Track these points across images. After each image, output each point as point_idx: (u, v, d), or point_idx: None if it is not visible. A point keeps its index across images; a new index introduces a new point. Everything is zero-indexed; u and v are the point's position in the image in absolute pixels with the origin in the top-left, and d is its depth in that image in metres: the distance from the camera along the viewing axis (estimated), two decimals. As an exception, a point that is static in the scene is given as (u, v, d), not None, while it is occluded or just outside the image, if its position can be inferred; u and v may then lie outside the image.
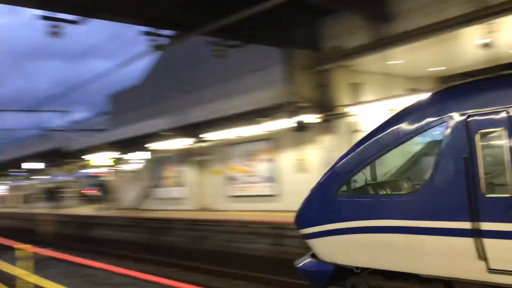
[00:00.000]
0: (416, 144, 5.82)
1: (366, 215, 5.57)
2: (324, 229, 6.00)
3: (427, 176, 5.22)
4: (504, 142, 4.67)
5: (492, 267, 4.64)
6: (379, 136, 5.69)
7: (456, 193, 4.87)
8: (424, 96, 5.71)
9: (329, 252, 6.09)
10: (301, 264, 6.55)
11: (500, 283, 4.65)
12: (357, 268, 5.88)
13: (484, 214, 4.67)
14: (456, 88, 5.38)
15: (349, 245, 5.79)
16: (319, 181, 6.26)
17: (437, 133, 5.26)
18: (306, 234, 6.35)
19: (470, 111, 4.88)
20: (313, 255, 6.42)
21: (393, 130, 5.56)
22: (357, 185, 5.94)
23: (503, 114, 4.65)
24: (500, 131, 4.72)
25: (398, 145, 5.54)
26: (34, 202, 34.24)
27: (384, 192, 5.85)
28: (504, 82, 5.01)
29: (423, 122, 5.28)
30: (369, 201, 5.78)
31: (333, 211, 5.99)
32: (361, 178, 5.89)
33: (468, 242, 4.75)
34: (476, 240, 4.70)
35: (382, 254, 5.51)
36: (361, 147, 5.86)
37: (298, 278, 7.39)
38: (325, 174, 6.26)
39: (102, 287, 9.49)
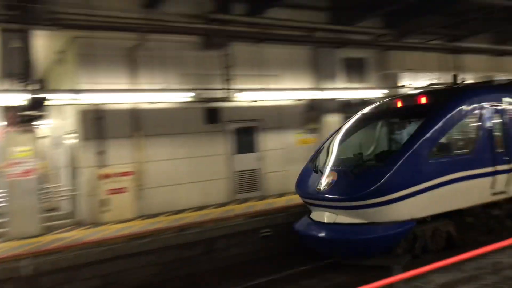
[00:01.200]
0: (467, 122, 8.24)
1: (454, 169, 7.63)
2: (415, 190, 7.27)
3: (475, 140, 8.12)
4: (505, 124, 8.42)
5: (495, 191, 8.09)
6: (446, 117, 7.82)
7: (487, 151, 8.08)
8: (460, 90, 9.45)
9: (411, 210, 7.34)
10: (363, 233, 7.41)
11: (494, 200, 8.15)
12: (430, 217, 7.63)
13: (498, 162, 8.08)
14: (482, 89, 9.24)
15: (432, 199, 7.43)
16: (408, 153, 7.43)
17: (478, 115, 8.18)
18: (383, 200, 7.19)
19: (487, 105, 8.28)
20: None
21: (455, 112, 7.94)
22: (441, 150, 7.84)
23: (498, 107, 8.42)
24: (498, 115, 8.40)
25: (459, 122, 8.04)
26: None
27: (462, 153, 8.04)
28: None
29: (470, 108, 8.13)
30: (450, 160, 7.81)
31: (427, 172, 7.46)
32: (443, 145, 7.89)
33: (491, 179, 8.01)
34: (493, 177, 8.02)
35: (456, 198, 7.70)
36: (438, 125, 7.70)
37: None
38: (411, 147, 7.49)
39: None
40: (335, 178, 7.74)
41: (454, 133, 8.13)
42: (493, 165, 8.08)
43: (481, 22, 13.43)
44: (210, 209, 10.80)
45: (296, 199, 11.22)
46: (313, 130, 13.17)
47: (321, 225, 7.91)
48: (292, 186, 12.51)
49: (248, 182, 12.13)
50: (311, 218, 8.27)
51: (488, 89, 9.30)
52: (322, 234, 7.80)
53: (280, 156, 12.60)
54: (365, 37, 13.46)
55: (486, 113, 8.25)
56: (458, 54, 15.37)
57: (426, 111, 8.13)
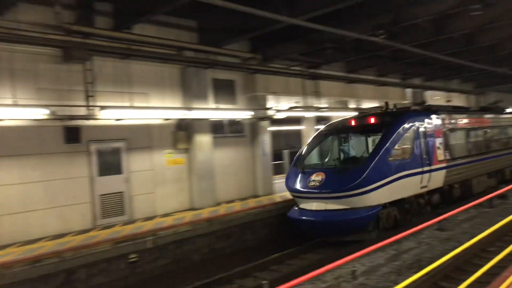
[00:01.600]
0: (407, 136, 11.51)
1: (401, 169, 10.89)
2: (380, 184, 10.32)
3: (411, 149, 11.44)
4: (427, 137, 12.10)
5: (422, 186, 11.63)
6: (395, 133, 10.98)
7: (417, 157, 11.47)
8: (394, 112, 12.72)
9: (379, 198, 10.43)
10: (346, 214, 10.21)
11: (421, 192, 11.77)
12: (388, 203, 10.75)
13: (424, 165, 11.58)
14: (412, 112, 12.52)
15: (390, 189, 10.54)
16: (376, 159, 10.42)
17: (412, 131, 11.61)
18: (362, 191, 10.09)
19: (417, 124, 11.85)
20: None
21: (400, 130, 11.16)
22: (394, 156, 10.86)
23: (423, 125, 12.04)
24: (423, 131, 11.97)
25: (402, 137, 11.20)
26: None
27: (405, 158, 11.20)
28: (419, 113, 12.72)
29: (407, 126, 11.48)
30: (398, 163, 10.94)
31: (388, 171, 10.58)
32: (394, 152, 10.92)
33: (420, 177, 11.52)
34: (421, 176, 11.56)
35: (401, 190, 11.02)
36: (391, 138, 10.82)
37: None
38: (378, 153, 10.54)
39: None
40: (324, 177, 10.58)
41: (400, 144, 11.24)
42: (421, 167, 11.69)
43: (335, 52, 14.76)
44: (70, 236, 9.77)
45: (167, 222, 10.82)
46: (184, 151, 12.93)
47: (313, 212, 10.55)
48: (161, 208, 12.14)
49: (114, 206, 11.31)
50: (300, 208, 11.04)
51: (416, 113, 12.63)
52: (315, 218, 10.48)
53: (148, 177, 12.06)
54: (234, 59, 13.82)
55: (416, 130, 11.81)
56: (316, 80, 16.69)
57: (380, 128, 11.34)
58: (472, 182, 14.63)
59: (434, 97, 25.61)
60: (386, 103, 13.38)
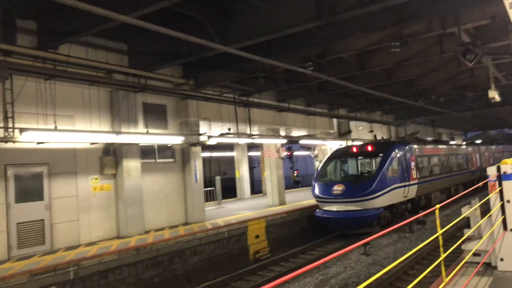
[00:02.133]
0: (396, 159, 16.30)
1: (401, 181, 16.05)
2: (383, 192, 14.87)
3: (398, 169, 16.19)
4: (410, 158, 17.55)
5: (404, 195, 16.46)
6: (389, 157, 15.67)
7: (402, 175, 16.38)
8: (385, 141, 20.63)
9: (381, 202, 14.86)
10: (362, 211, 14.64)
11: (404, 200, 16.65)
12: (385, 207, 15.22)
13: (405, 180, 16.48)
14: (400, 142, 18.90)
15: (387, 197, 15.03)
16: (380, 175, 15.13)
17: (399, 156, 16.55)
18: (372, 196, 14.67)
19: (401, 150, 16.96)
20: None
21: (392, 155, 15.94)
22: (391, 172, 15.63)
23: (404, 153, 17.14)
24: (404, 157, 17.05)
25: (393, 160, 15.92)
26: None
27: (395, 175, 15.86)
28: (406, 143, 18.44)
29: (395, 152, 16.33)
30: (391, 178, 15.57)
31: (386, 184, 15.12)
32: (391, 170, 15.65)
33: (403, 189, 16.38)
34: (404, 188, 16.39)
35: (393, 198, 15.52)
36: (386, 161, 15.48)
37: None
38: (380, 171, 15.26)
39: None
40: (344, 187, 15.13)
41: (393, 165, 16.00)
42: (404, 181, 16.50)
43: (266, 81, 15.17)
44: (-20, 270, 8.92)
45: (92, 251, 10.36)
46: (111, 176, 12.46)
47: (336, 212, 15.10)
48: (86, 236, 11.53)
49: (33, 235, 10.53)
50: (324, 209, 15.53)
51: (399, 143, 17.94)
52: (338, 216, 15.05)
53: (72, 204, 11.43)
54: (165, 84, 13.71)
55: (401, 156, 16.85)
56: (248, 107, 16.98)
57: (377, 154, 16.26)
58: (431, 196, 19.86)
59: (359, 127, 27.01)
60: (375, 136, 20.88)
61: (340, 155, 17.24)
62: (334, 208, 15.11)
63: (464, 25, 10.18)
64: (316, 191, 15.96)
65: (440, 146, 23.22)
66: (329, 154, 18.28)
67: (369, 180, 15.22)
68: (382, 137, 18.70)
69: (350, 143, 23.76)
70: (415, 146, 19.01)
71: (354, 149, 17.01)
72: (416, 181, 17.62)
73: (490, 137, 46.75)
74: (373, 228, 14.84)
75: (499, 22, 9.86)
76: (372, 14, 9.83)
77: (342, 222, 15.03)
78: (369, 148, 16.71)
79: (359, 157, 17.17)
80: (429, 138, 27.54)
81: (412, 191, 17.29)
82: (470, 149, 28.52)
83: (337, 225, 15.42)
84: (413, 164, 17.70)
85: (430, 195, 19.59)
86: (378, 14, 9.96)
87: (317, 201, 15.96)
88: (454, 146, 25.80)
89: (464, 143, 31.18)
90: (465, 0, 9.35)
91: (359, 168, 17.31)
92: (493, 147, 36.70)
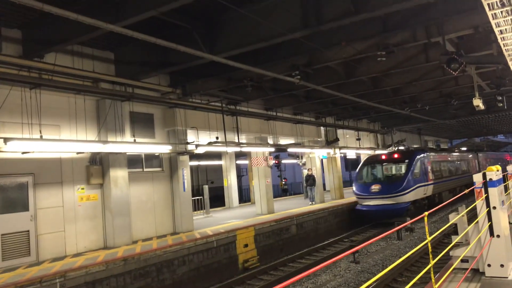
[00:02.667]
0: (418, 164, 21.09)
1: (423, 181, 20.80)
2: (410, 189, 19.44)
3: (420, 172, 20.96)
4: (428, 163, 22.29)
5: (424, 193, 21.22)
6: (413, 162, 20.46)
7: (422, 176, 21.07)
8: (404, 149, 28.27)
9: (408, 198, 19.35)
10: (396, 204, 19.14)
11: (423, 197, 21.31)
12: (411, 201, 19.65)
13: (425, 181, 21.22)
14: (419, 150, 24.38)
15: (413, 194, 19.61)
16: (408, 176, 19.75)
17: (420, 161, 21.35)
18: (403, 193, 19.15)
19: (422, 157, 21.89)
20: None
21: (415, 160, 20.75)
22: (415, 175, 20.31)
23: (423, 159, 21.96)
24: (424, 162, 21.75)
25: (416, 164, 20.74)
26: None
27: (417, 177, 20.51)
28: (424, 150, 24.00)
29: (417, 158, 21.22)
30: (416, 179, 20.24)
31: (412, 183, 19.77)
32: (414, 173, 20.36)
33: (424, 188, 21.13)
34: (424, 187, 21.15)
35: (416, 194, 20.13)
36: (412, 165, 20.22)
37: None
38: (408, 173, 19.91)
39: None
40: (380, 187, 19.62)
41: (416, 169, 20.38)
42: (424, 182, 20.75)
43: (254, 90, 15.21)
44: (-38, 283, 8.71)
45: (79, 262, 10.25)
46: (98, 186, 12.33)
47: (374, 206, 19.45)
48: (72, 247, 11.37)
49: (18, 246, 10.33)
50: (364, 204, 19.84)
51: (419, 151, 22.54)
52: (376, 209, 19.29)
53: (58, 214, 11.26)
54: (152, 93, 13.67)
55: (421, 161, 21.25)
56: (236, 116, 16.99)
57: (404, 160, 20.62)
58: (442, 195, 23.71)
59: (346, 135, 27.18)
60: (398, 145, 29.50)
61: (372, 162, 21.70)
62: (372, 202, 19.63)
63: (448, 35, 10.36)
64: (357, 190, 20.60)
65: (448, 153, 28.32)
66: (362, 161, 22.91)
67: (400, 180, 19.80)
68: (407, 147, 28.30)
69: (338, 151, 23.89)
70: (430, 153, 23.85)
71: (383, 157, 21.63)
72: (432, 182, 22.05)
73: (475, 145, 47.71)
74: (403, 217, 18.38)
75: (482, 32, 10.07)
76: (358, 24, 9.96)
77: (380, 213, 19.41)
78: (396, 155, 21.38)
79: (389, 163, 21.35)
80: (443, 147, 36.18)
81: (429, 190, 21.68)
82: (470, 155, 33.48)
83: (375, 216, 19.62)
84: (429, 168, 22.16)
85: (442, 193, 23.77)
86: (364, 23, 10.10)
87: (358, 198, 20.47)
88: (458, 153, 30.75)
89: (464, 149, 37.70)
90: (449, 10, 9.52)
91: (390, 172, 21.36)
92: (489, 153, 42.95)
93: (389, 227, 17.86)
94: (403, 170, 20.31)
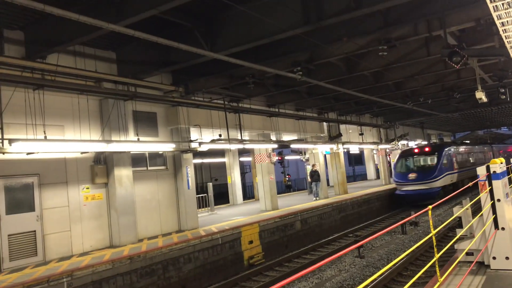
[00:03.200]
0: (447, 155, 25.33)
1: (450, 170, 24.83)
2: (441, 176, 23.49)
3: (448, 162, 24.97)
4: (453, 155, 26.50)
5: (450, 180, 24.99)
6: (442, 154, 24.48)
7: (449, 165, 25.06)
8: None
9: (439, 183, 23.23)
10: (429, 189, 23.09)
11: (450, 183, 24.99)
12: (441, 187, 23.37)
13: (451, 170, 25.17)
14: (445, 143, 30.56)
15: (443, 180, 23.51)
16: (439, 166, 23.72)
17: (447, 153, 25.44)
18: (435, 179, 23.20)
19: (449, 150, 25.99)
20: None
21: (444, 152, 24.85)
22: (444, 164, 24.29)
23: (450, 151, 26.04)
24: (450, 154, 25.94)
25: (445, 155, 24.75)
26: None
27: (446, 166, 24.49)
28: (448, 145, 28.23)
29: (446, 150, 25.33)
30: (444, 167, 24.14)
31: (445, 170, 24.01)
32: (444, 162, 24.48)
33: (451, 175, 25.13)
34: (451, 174, 25.21)
35: (445, 181, 23.85)
36: (441, 156, 24.20)
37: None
38: (438, 163, 23.85)
39: None
40: (416, 175, 23.56)
41: (444, 159, 24.25)
42: (450, 170, 24.59)
43: (256, 87, 15.21)
44: (-29, 284, 8.80)
45: (85, 261, 10.33)
46: (102, 185, 12.39)
47: (411, 190, 23.40)
48: (78, 246, 11.44)
49: (25, 247, 10.40)
50: (402, 190, 23.89)
51: (446, 145, 26.89)
52: (413, 193, 23.26)
53: (64, 214, 11.33)
54: (155, 92, 13.70)
55: (448, 153, 25.15)
56: (238, 113, 17.01)
57: (435, 152, 24.43)
58: (464, 182, 26.21)
59: (349, 130, 27.16)
60: (429, 139, 37.70)
61: (408, 154, 25.51)
62: (410, 188, 23.54)
63: (449, 28, 10.33)
64: (396, 178, 24.80)
65: (469, 146, 32.30)
66: (399, 154, 26.67)
67: (432, 169, 23.72)
68: (434, 141, 35.26)
69: (341, 146, 23.89)
70: (455, 146, 28.16)
71: (416, 150, 25.52)
72: (456, 171, 25.83)
73: (478, 137, 47.82)
74: (435, 200, 21.26)
75: (483, 24, 10.03)
76: (359, 19, 9.95)
77: (416, 196, 23.09)
78: (427, 149, 25.22)
79: (422, 155, 25.01)
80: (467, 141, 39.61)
81: (455, 177, 25.42)
82: (486, 148, 37.89)
83: (412, 199, 23.34)
84: (454, 159, 26.16)
85: (464, 180, 26.70)
86: (365, 18, 10.09)
87: (397, 184, 24.58)
88: (476, 146, 34.75)
89: (480, 142, 42.90)
90: (450, 4, 9.49)
91: (424, 162, 24.88)
92: (501, 145, 47.69)
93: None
94: (435, 161, 24.11)
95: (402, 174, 24.29)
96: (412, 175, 23.71)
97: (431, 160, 24.51)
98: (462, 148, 29.53)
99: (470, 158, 30.45)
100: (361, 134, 26.65)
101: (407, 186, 23.61)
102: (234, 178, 24.74)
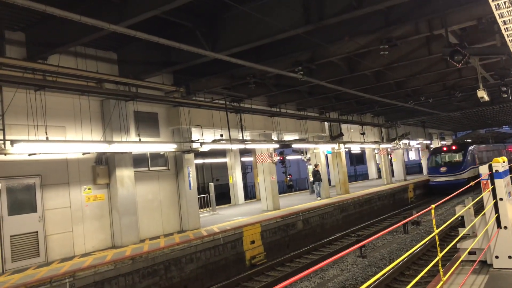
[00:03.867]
0: (470, 152, 30.72)
1: (473, 165, 29.61)
2: (467, 170, 28.85)
3: (471, 158, 30.50)
4: (475, 152, 32.32)
5: (473, 173, 29.27)
6: (468, 151, 30.07)
7: (473, 160, 30.50)
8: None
9: (466, 175, 28.37)
10: (458, 180, 28.06)
11: (473, 176, 28.63)
12: (467, 179, 27.89)
13: (474, 164, 29.98)
14: (469, 142, 34.80)
15: (468, 173, 28.67)
16: (465, 161, 29.35)
17: (471, 150, 31.08)
18: (462, 172, 28.68)
19: (472, 148, 31.51)
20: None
21: (469, 149, 30.52)
22: (469, 160, 29.75)
23: (473, 149, 31.61)
24: (473, 150, 31.60)
25: (468, 152, 30.33)
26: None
27: (470, 161, 29.91)
28: (472, 144, 33.79)
29: (471, 148, 31.09)
30: (469, 163, 29.57)
31: (469, 165, 29.28)
32: (468, 158, 29.93)
33: (474, 169, 29.18)
34: (474, 169, 29.37)
35: (469, 174, 28.61)
36: (467, 153, 29.75)
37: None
38: (464, 159, 29.45)
39: None
40: (447, 168, 29.32)
41: (469, 156, 29.70)
42: (473, 165, 29.36)
43: (257, 86, 15.21)
44: (-27, 285, 8.81)
45: (87, 262, 10.33)
46: (104, 186, 12.40)
47: (442, 181, 29.02)
48: (80, 247, 11.45)
49: (27, 247, 10.42)
50: (435, 181, 29.71)
51: (470, 143, 32.85)
52: (444, 184, 28.64)
53: (66, 215, 11.34)
54: (156, 92, 13.70)
55: (472, 150, 30.74)
56: (240, 113, 17.01)
57: (461, 150, 30.13)
58: None
59: (350, 130, 27.14)
60: (456, 137, 47.53)
61: (438, 152, 30.75)
62: (442, 179, 28.84)
63: (451, 27, 10.32)
64: (429, 171, 30.38)
65: (487, 145, 37.68)
66: (431, 152, 32.72)
67: (460, 164, 28.92)
68: (460, 140, 40.35)
69: (342, 145, 23.86)
70: (477, 145, 33.20)
71: (445, 148, 30.94)
72: (478, 165, 27.62)
73: (480, 136, 47.82)
74: (463, 189, 24.46)
75: (485, 23, 10.01)
76: (360, 18, 9.93)
77: (446, 186, 27.63)
78: (454, 147, 30.67)
79: (451, 152, 30.14)
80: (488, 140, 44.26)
81: (476, 171, 27.05)
82: (500, 146, 42.50)
83: (443, 188, 27.92)
84: (476, 155, 31.08)
85: None
86: (366, 18, 10.07)
87: (430, 177, 30.08)
88: (492, 145, 39.70)
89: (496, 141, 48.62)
90: (451, 3, 9.48)
91: (453, 158, 29.86)
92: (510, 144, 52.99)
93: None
94: (461, 157, 29.42)
95: (434, 168, 29.86)
96: (443, 169, 29.21)
97: (459, 156, 29.75)
98: (482, 147, 34.97)
99: (489, 155, 35.05)
100: (363, 133, 26.64)
101: (439, 178, 29.24)
102: (236, 178, 24.74)
